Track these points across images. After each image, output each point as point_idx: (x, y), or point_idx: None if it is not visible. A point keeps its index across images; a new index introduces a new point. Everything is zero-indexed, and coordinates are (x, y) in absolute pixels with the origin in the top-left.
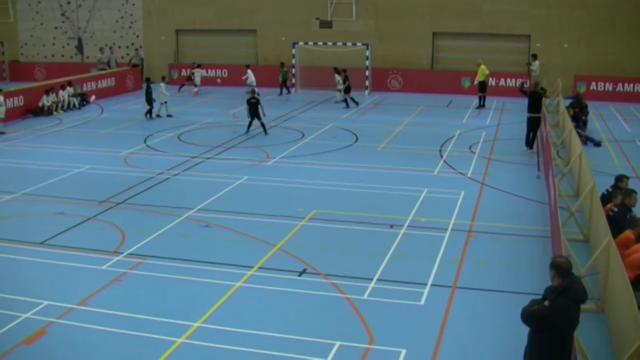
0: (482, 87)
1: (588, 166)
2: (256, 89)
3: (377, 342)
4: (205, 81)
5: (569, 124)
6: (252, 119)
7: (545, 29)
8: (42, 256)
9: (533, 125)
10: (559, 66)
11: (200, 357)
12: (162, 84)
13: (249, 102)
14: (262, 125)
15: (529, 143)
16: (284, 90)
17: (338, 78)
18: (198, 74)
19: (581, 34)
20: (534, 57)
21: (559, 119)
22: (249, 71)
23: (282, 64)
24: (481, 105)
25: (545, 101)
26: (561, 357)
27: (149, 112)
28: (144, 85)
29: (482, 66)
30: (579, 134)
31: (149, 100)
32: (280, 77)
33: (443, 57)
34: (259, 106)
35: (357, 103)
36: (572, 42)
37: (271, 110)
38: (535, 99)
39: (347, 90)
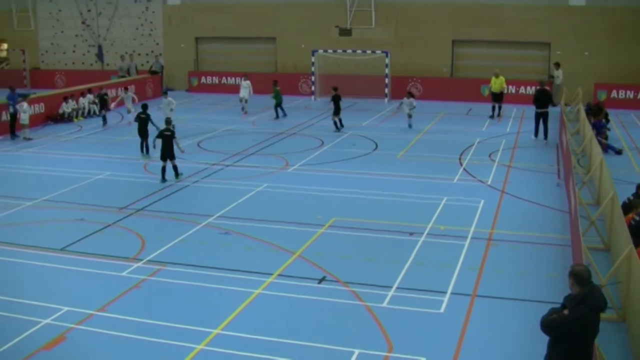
0: (499, 96)
1: (609, 174)
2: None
3: (396, 350)
4: (226, 89)
5: (589, 132)
6: (165, 158)
7: (566, 36)
8: (62, 262)
9: (545, 118)
10: (579, 74)
11: None
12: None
13: (161, 134)
14: (174, 167)
15: (545, 134)
16: None
17: (414, 104)
18: (128, 98)
19: (601, 42)
20: (557, 65)
21: (579, 127)
22: (243, 82)
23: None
24: (497, 115)
25: (566, 109)
26: None
27: (143, 146)
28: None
29: (501, 77)
30: (599, 142)
31: (143, 131)
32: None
33: (463, 64)
34: (175, 140)
35: (340, 128)
36: (592, 50)
37: (291, 117)
38: (544, 95)
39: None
